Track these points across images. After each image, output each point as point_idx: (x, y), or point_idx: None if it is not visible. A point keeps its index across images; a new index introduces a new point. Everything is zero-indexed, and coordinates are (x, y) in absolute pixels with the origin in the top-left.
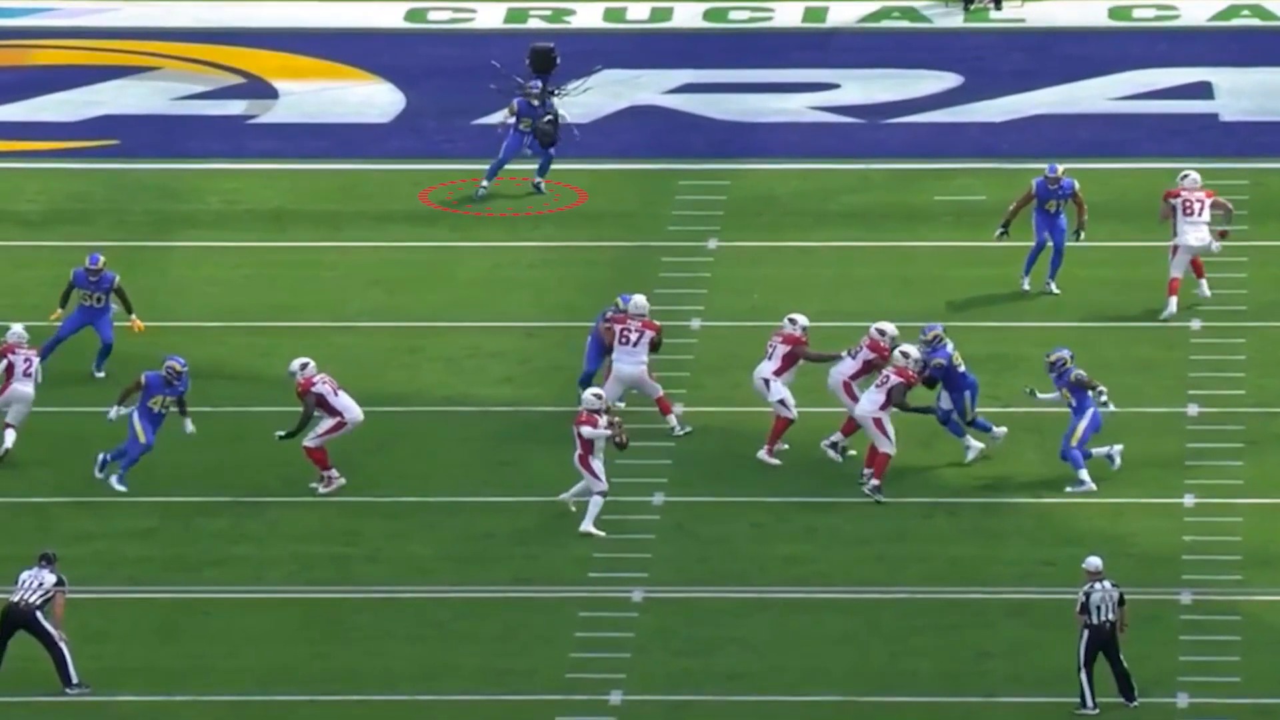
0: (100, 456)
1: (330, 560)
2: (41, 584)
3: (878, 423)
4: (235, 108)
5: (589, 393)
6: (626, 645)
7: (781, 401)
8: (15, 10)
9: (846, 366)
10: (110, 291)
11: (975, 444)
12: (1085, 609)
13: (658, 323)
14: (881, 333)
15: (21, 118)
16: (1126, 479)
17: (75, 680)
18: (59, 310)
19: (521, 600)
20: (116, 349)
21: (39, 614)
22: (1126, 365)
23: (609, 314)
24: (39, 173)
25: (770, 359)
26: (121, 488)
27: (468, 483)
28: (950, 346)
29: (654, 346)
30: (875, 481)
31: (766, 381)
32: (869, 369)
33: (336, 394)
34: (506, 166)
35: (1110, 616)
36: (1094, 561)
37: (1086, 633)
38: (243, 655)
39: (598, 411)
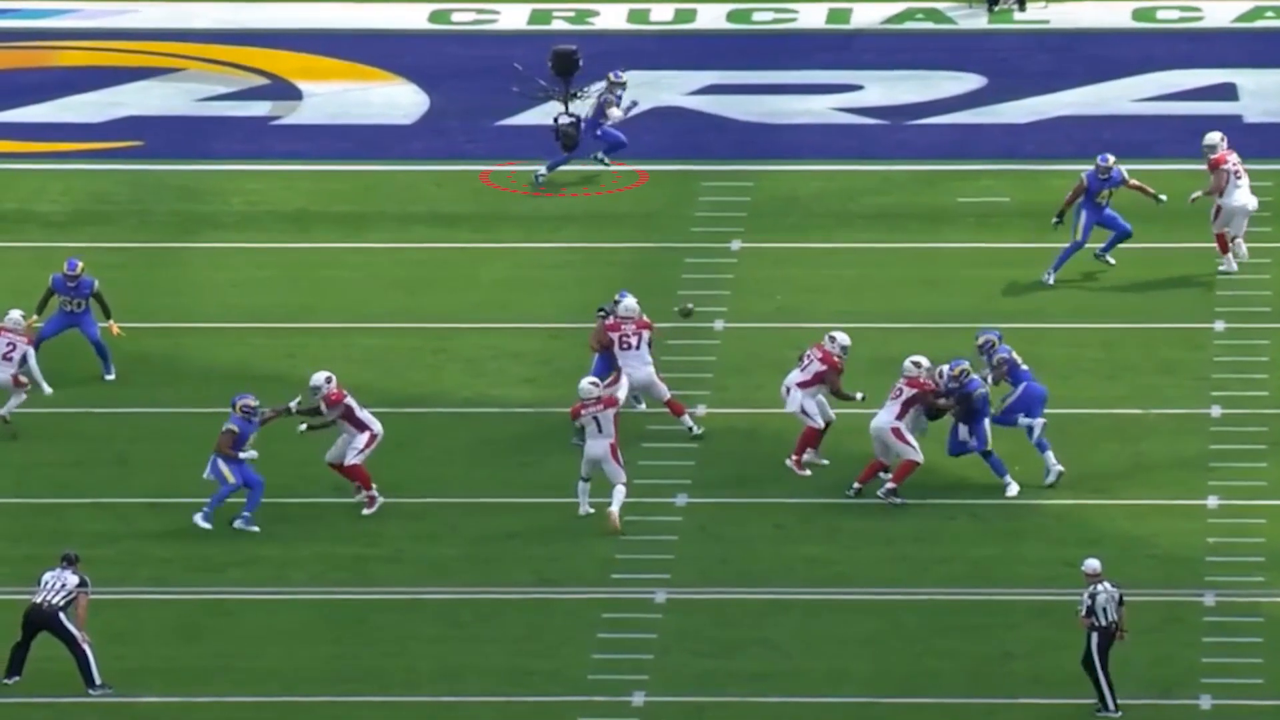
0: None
1: (353, 561)
2: (64, 585)
3: (896, 432)
4: (258, 109)
5: (585, 381)
6: (649, 646)
7: (802, 410)
8: (39, 12)
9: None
10: (90, 297)
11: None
12: (1092, 612)
13: (648, 320)
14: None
15: (45, 119)
16: (1149, 480)
17: (98, 682)
18: (35, 316)
19: (544, 601)
20: (137, 349)
21: (61, 615)
22: (1150, 366)
23: (606, 310)
24: (63, 173)
25: (803, 370)
26: (253, 529)
27: (489, 483)
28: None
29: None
30: (892, 484)
31: (788, 390)
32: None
33: (361, 408)
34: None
35: (1114, 617)
36: (1093, 564)
37: (1095, 635)
38: (266, 656)
39: (596, 399)
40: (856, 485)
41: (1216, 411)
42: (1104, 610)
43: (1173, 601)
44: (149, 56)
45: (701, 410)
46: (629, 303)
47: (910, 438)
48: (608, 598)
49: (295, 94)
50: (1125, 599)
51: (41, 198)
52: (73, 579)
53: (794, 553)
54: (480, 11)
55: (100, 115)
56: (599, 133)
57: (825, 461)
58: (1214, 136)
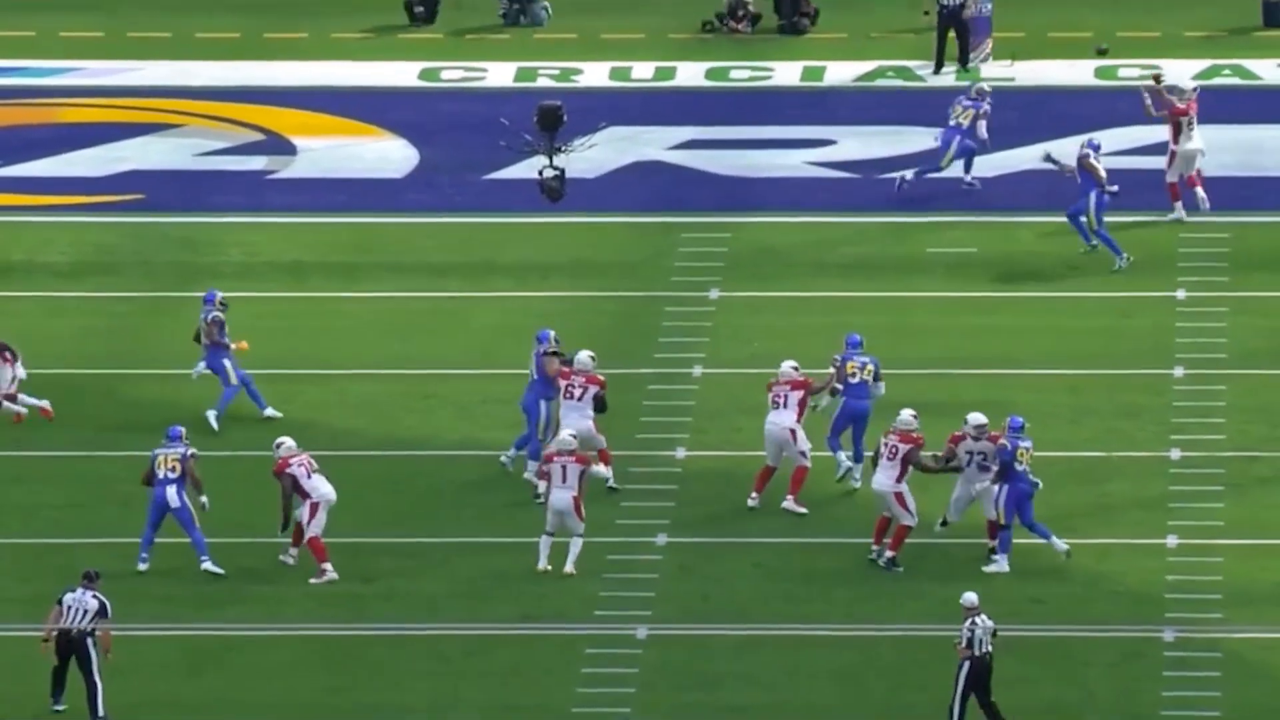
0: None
1: (346, 598)
2: (85, 611)
3: (899, 497)
4: (255, 163)
5: (566, 433)
6: (631, 680)
7: (803, 452)
8: (45, 70)
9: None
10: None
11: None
12: (971, 643)
13: (602, 377)
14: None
15: (52, 173)
16: (1112, 520)
17: (102, 714)
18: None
19: (530, 637)
20: (139, 395)
21: (89, 641)
22: (1113, 410)
23: (545, 349)
24: (68, 225)
25: (786, 408)
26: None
27: (478, 523)
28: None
29: (599, 403)
30: (891, 554)
31: (793, 432)
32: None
33: (309, 476)
34: None
35: (989, 648)
36: (970, 597)
37: (968, 665)
38: (263, 689)
39: (570, 451)
40: (875, 547)
41: (1176, 454)
42: (980, 641)
43: (1135, 637)
44: (150, 113)
45: (681, 453)
46: (583, 357)
47: (910, 503)
48: (591, 633)
49: (290, 149)
50: (999, 632)
51: (48, 249)
52: (93, 603)
53: (772, 590)
54: (468, 70)
55: (103, 169)
56: (967, 142)
57: (803, 511)
58: (1195, 88)
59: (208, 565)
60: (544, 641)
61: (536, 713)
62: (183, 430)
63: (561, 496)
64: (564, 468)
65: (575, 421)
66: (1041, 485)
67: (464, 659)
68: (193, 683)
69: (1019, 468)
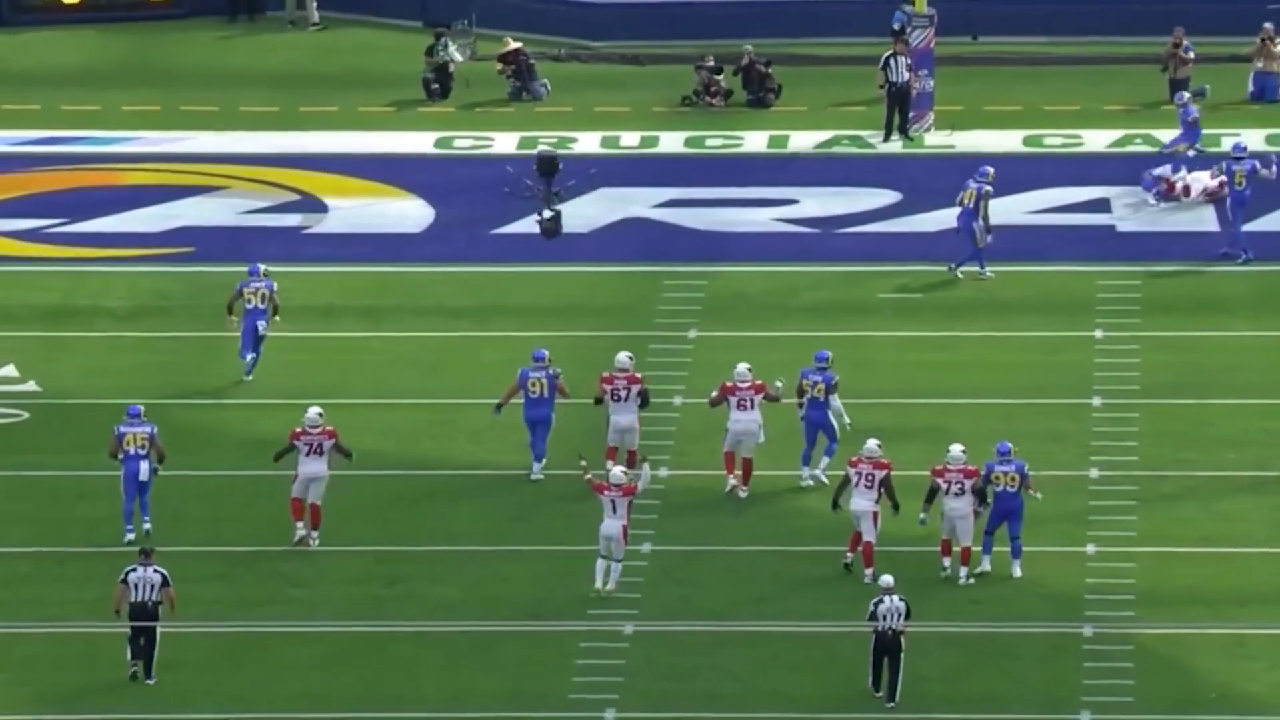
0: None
1: (371, 600)
2: (153, 586)
3: (875, 516)
4: (292, 220)
5: (618, 469)
6: (620, 671)
7: (757, 444)
8: (108, 139)
9: (755, 415)
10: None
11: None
12: (874, 616)
13: (640, 374)
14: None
15: (113, 229)
16: (1038, 531)
17: (153, 674)
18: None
19: (532, 633)
20: (189, 421)
21: (159, 609)
22: (1041, 435)
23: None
24: (127, 274)
25: (753, 408)
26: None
27: (488, 535)
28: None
29: (643, 398)
30: (868, 569)
31: (759, 426)
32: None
33: (308, 455)
34: None
35: (896, 625)
36: (886, 579)
37: (874, 637)
38: (298, 681)
39: (619, 485)
40: (849, 554)
41: (1095, 473)
42: (885, 616)
43: (1058, 633)
44: (200, 176)
45: (664, 472)
46: (622, 359)
47: (878, 523)
48: (585, 630)
49: (323, 207)
50: (912, 614)
51: (109, 295)
52: (156, 576)
53: (743, 592)
54: (478, 138)
55: (159, 226)
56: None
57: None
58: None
59: (146, 528)
60: (544, 638)
61: (538, 700)
62: (141, 409)
63: (612, 525)
64: (613, 501)
65: (624, 419)
66: (1040, 497)
67: (475, 654)
68: (235, 675)
69: (997, 489)
